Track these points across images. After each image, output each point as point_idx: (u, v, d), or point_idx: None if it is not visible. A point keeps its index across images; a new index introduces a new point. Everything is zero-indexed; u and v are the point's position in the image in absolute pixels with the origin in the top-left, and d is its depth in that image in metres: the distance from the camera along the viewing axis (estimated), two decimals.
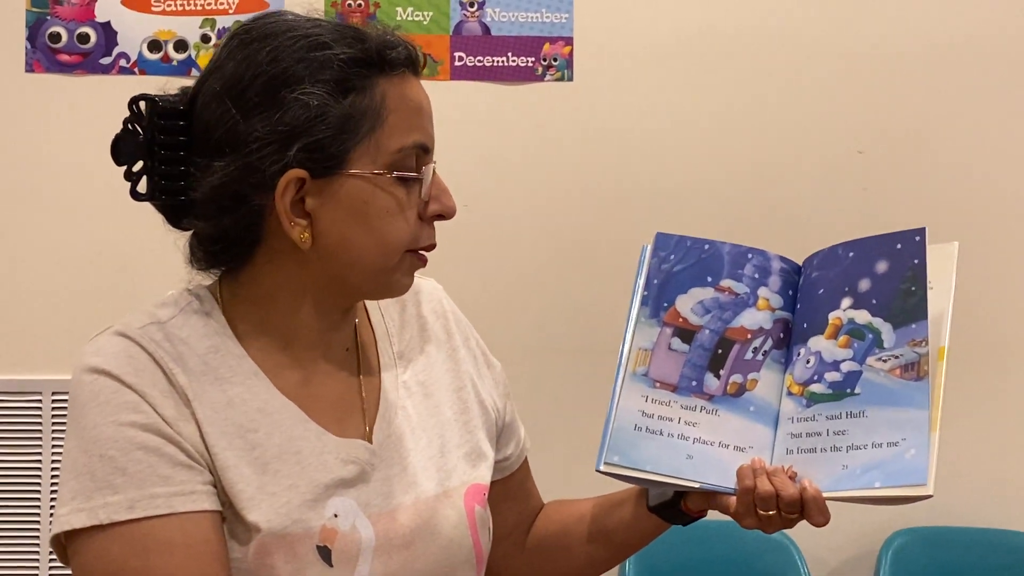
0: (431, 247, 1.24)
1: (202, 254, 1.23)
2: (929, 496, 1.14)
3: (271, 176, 1.14)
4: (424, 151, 1.20)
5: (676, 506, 1.34)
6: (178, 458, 1.12)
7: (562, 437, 2.61)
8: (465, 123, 2.85)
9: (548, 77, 2.89)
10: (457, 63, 2.87)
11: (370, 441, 1.25)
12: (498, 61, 2.89)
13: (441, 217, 1.22)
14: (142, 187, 1.22)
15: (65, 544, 1.12)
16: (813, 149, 2.92)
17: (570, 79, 2.89)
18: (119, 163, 1.21)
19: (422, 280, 1.42)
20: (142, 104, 1.21)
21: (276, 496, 1.15)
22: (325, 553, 1.16)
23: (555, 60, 2.89)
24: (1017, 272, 2.94)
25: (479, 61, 2.88)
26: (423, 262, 1.24)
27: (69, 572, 1.13)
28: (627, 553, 1.45)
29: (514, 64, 2.89)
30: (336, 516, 1.18)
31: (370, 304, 1.36)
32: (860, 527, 2.86)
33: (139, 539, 1.09)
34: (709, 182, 2.91)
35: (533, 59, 2.89)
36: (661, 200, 2.90)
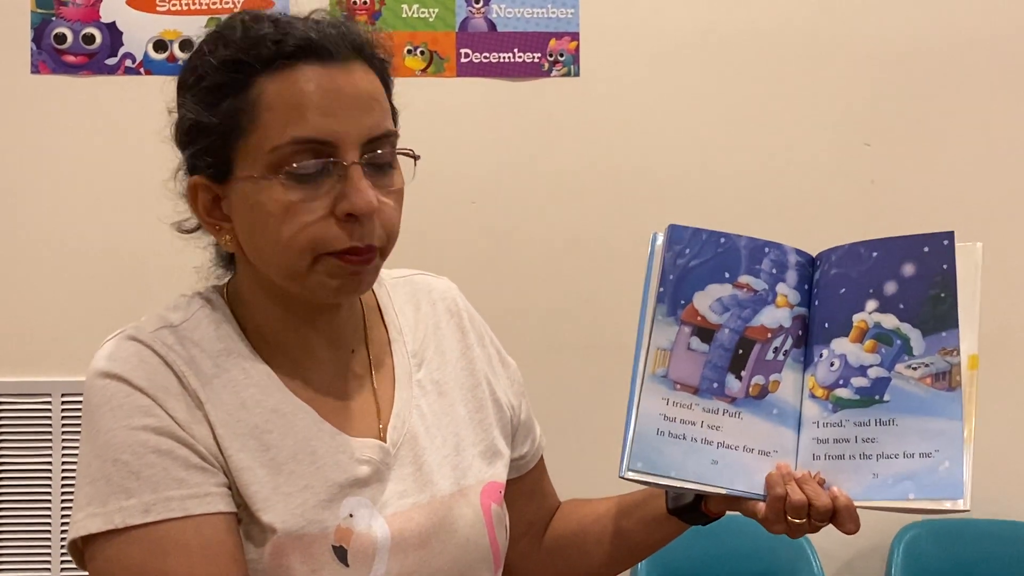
0: (352, 251, 1.14)
1: (214, 259, 1.27)
2: (966, 511, 1.13)
3: (182, 184, 1.19)
4: (318, 144, 1.11)
5: (696, 508, 1.33)
6: (192, 461, 1.12)
7: (576, 433, 2.61)
8: (472, 120, 2.84)
9: (554, 73, 2.89)
10: (463, 60, 2.87)
11: (384, 440, 1.24)
12: (504, 57, 2.88)
13: (352, 216, 1.13)
14: None
15: (82, 549, 1.12)
16: (821, 142, 2.92)
17: (576, 75, 2.89)
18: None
19: (436, 280, 1.42)
20: None
21: (291, 497, 1.15)
22: (341, 553, 1.16)
23: (561, 56, 2.88)
24: (1021, 264, 2.94)
25: (485, 58, 2.87)
26: (351, 265, 1.15)
27: (83, 575, 1.13)
28: (645, 554, 1.44)
29: (520, 60, 2.89)
30: (351, 516, 1.18)
31: (384, 303, 1.35)
32: (872, 520, 2.81)
33: (155, 542, 1.09)
34: (716, 176, 2.91)
35: (539, 55, 2.88)
36: (669, 194, 2.89)
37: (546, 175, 2.89)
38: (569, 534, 1.47)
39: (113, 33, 2.82)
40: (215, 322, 1.20)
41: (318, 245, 1.13)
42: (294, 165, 1.11)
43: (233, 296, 1.24)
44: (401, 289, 1.37)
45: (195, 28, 2.81)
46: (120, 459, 1.10)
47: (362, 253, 1.15)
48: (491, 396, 1.38)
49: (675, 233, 1.29)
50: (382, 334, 1.33)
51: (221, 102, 1.12)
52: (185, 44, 2.82)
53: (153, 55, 2.83)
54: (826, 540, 2.90)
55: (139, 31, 2.82)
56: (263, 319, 1.22)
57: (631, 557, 1.45)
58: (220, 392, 1.16)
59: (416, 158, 1.20)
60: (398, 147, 1.18)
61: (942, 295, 1.20)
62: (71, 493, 1.14)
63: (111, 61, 2.82)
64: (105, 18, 2.82)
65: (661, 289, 1.27)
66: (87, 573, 1.13)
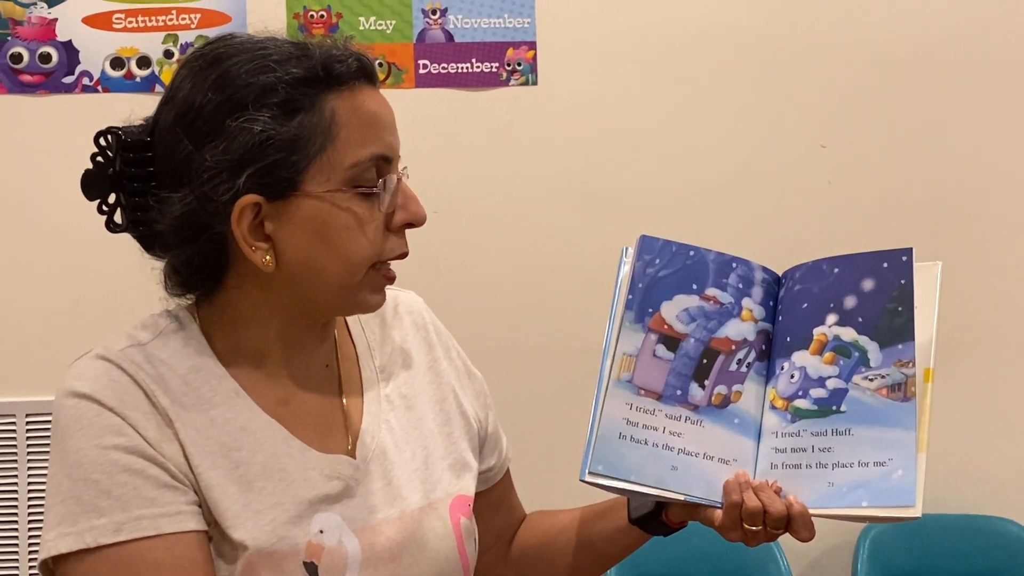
0: (402, 256, 1.22)
1: (176, 281, 1.23)
2: (917, 518, 1.15)
3: (225, 205, 1.14)
4: (385, 161, 1.18)
5: (657, 517, 1.34)
6: (162, 479, 1.12)
7: (542, 439, 2.62)
8: (431, 130, 2.85)
9: (513, 82, 2.90)
10: (421, 71, 2.88)
11: (354, 456, 1.25)
12: (462, 68, 2.89)
13: (410, 225, 1.21)
14: (118, 218, 1.21)
15: (53, 569, 1.12)
16: (778, 144, 2.95)
17: (535, 83, 2.90)
18: (90, 198, 1.20)
19: (402, 293, 1.42)
20: (108, 138, 1.20)
21: (261, 514, 1.15)
22: (312, 569, 1.16)
23: (519, 65, 2.90)
24: (980, 261, 2.97)
25: (443, 68, 2.89)
26: (390, 279, 1.22)
27: None
28: (609, 564, 1.45)
29: (478, 70, 2.90)
30: (322, 532, 1.18)
31: (351, 319, 1.35)
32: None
33: (126, 561, 1.09)
34: (675, 181, 2.93)
35: (497, 64, 2.90)
36: (628, 200, 2.91)
37: (507, 184, 2.91)
38: (535, 545, 1.49)
39: (70, 51, 2.81)
40: (183, 340, 1.20)
41: (376, 254, 1.18)
42: (371, 176, 1.16)
43: (210, 317, 1.23)
44: None
45: (152, 45, 2.82)
46: (91, 478, 1.10)
47: (401, 260, 1.22)
48: (458, 409, 1.39)
49: (646, 244, 1.31)
50: (350, 350, 1.33)
51: (294, 117, 1.14)
52: (143, 61, 2.82)
53: (110, 72, 2.82)
54: (793, 539, 2.91)
55: (96, 49, 2.81)
56: (255, 338, 1.22)
57: (595, 567, 1.46)
58: (190, 410, 1.16)
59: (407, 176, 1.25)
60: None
61: (899, 309, 1.22)
62: (37, 513, 1.15)
63: (68, 80, 2.81)
64: (61, 36, 2.81)
65: (630, 296, 1.29)
66: None
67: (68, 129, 2.77)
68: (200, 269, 1.20)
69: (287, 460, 1.19)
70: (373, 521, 1.22)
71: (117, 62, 2.82)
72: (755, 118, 2.94)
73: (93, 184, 1.20)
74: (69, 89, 2.81)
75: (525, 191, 2.91)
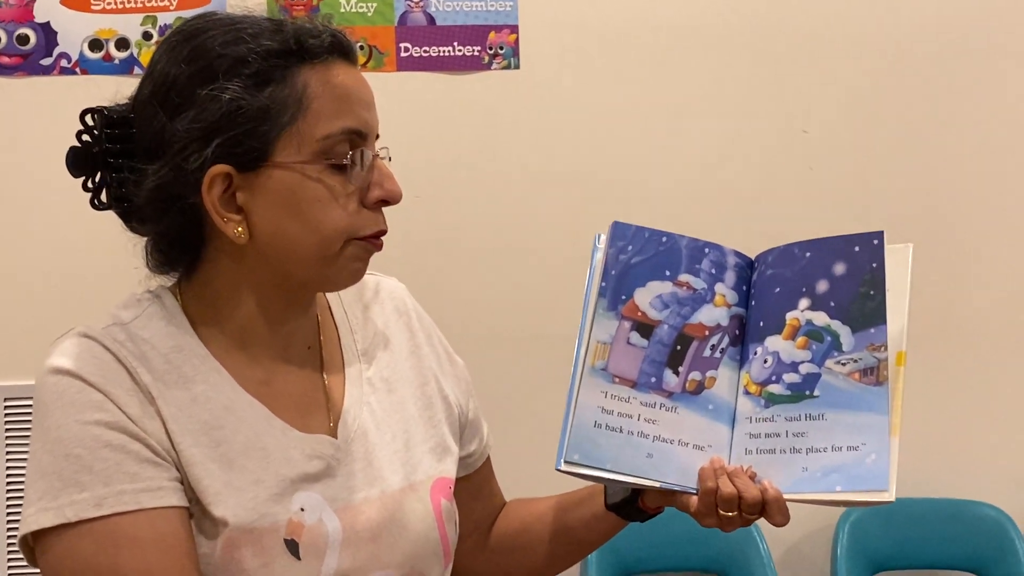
0: (380, 234, 1.22)
1: (157, 257, 1.24)
2: (890, 502, 1.16)
3: (195, 174, 1.15)
4: (359, 136, 1.18)
5: (633, 504, 1.35)
6: (144, 455, 1.12)
7: (524, 425, 2.62)
8: (412, 114, 2.84)
9: (495, 66, 2.89)
10: (403, 54, 2.86)
11: (335, 436, 1.25)
12: (444, 51, 2.88)
13: (385, 202, 1.21)
14: (103, 197, 1.23)
15: (33, 545, 1.12)
16: (759, 130, 2.94)
17: (517, 67, 2.89)
18: (75, 175, 1.22)
19: (384, 279, 1.43)
20: (94, 117, 1.21)
21: (242, 491, 1.16)
22: (293, 546, 1.17)
23: (501, 48, 2.89)
24: (962, 245, 2.98)
25: (425, 52, 2.87)
26: (375, 247, 1.22)
27: (35, 573, 1.13)
28: (587, 551, 1.46)
29: (460, 54, 2.89)
30: (302, 510, 1.19)
31: (333, 302, 1.36)
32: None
33: (107, 535, 1.09)
34: (657, 166, 2.92)
35: (479, 48, 2.89)
36: (610, 185, 2.91)
37: (488, 168, 2.90)
38: (513, 533, 1.49)
39: (48, 33, 2.79)
40: (165, 319, 1.21)
41: (351, 229, 1.19)
42: (343, 150, 1.17)
43: (191, 294, 1.24)
44: (350, 289, 1.38)
45: (131, 27, 2.80)
46: (72, 453, 1.10)
47: (380, 237, 1.22)
48: (440, 394, 1.39)
49: (618, 230, 1.31)
50: (332, 332, 1.34)
51: (264, 88, 1.15)
52: (121, 43, 2.80)
53: (89, 54, 2.80)
54: (773, 524, 2.92)
55: (74, 30, 2.79)
56: (235, 315, 1.23)
57: (573, 554, 1.47)
58: (171, 388, 1.17)
59: (389, 158, 1.25)
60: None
61: (871, 293, 1.23)
62: (16, 497, 1.14)
63: (46, 61, 2.79)
64: (39, 18, 2.79)
65: (603, 284, 1.29)
66: (38, 570, 1.13)
67: (46, 111, 2.75)
68: (177, 242, 1.22)
69: (268, 439, 1.20)
70: (354, 501, 1.23)
71: (95, 44, 2.80)
72: (737, 104, 2.94)
73: (78, 162, 1.21)
74: (47, 71, 2.79)
75: (507, 175, 2.90)
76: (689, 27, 2.92)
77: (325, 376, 1.30)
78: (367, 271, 1.41)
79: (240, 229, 1.17)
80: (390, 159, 1.24)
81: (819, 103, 2.95)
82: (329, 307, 1.35)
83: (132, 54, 2.80)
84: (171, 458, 1.14)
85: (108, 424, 1.11)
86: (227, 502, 1.15)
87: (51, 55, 2.79)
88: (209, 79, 1.15)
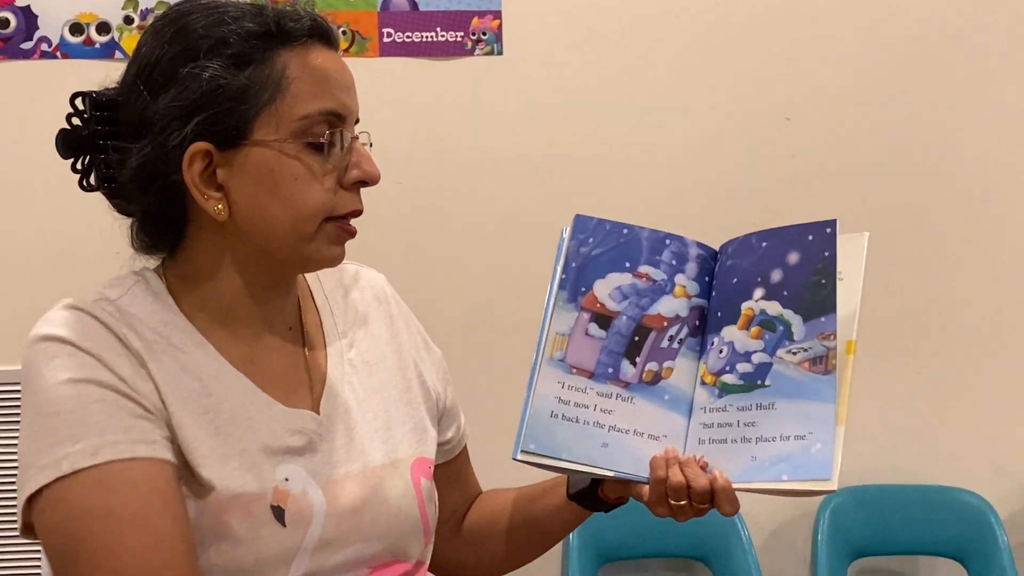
0: (355, 214, 1.24)
1: (142, 238, 1.27)
2: (832, 491, 1.16)
3: (176, 152, 1.18)
4: (337, 118, 1.20)
5: (595, 494, 1.36)
6: (137, 412, 1.14)
7: (503, 411, 2.62)
8: (395, 100, 2.83)
9: (478, 52, 2.88)
10: (386, 39, 2.86)
11: (317, 412, 1.27)
12: (427, 37, 2.87)
13: (363, 183, 1.23)
14: (92, 179, 1.26)
15: (30, 520, 1.13)
16: (743, 117, 2.94)
17: (500, 53, 2.89)
18: (64, 157, 1.25)
19: (364, 269, 1.45)
20: (82, 100, 1.25)
21: (228, 459, 1.18)
22: (279, 513, 1.19)
23: (484, 34, 2.88)
24: (944, 232, 2.99)
25: (408, 37, 2.86)
26: (349, 232, 1.24)
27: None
28: (553, 540, 1.47)
29: (443, 39, 2.88)
30: (287, 480, 1.21)
31: (314, 287, 1.38)
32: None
33: (101, 481, 1.10)
34: (640, 153, 2.92)
35: (462, 34, 2.88)
36: (593, 172, 2.91)
37: (470, 154, 2.89)
38: (481, 522, 1.51)
39: (28, 17, 2.77)
40: (152, 297, 1.23)
41: (327, 209, 1.21)
42: (320, 130, 1.19)
43: (175, 273, 1.26)
44: (331, 276, 1.41)
45: (112, 10, 2.78)
46: (64, 410, 1.11)
47: (355, 218, 1.24)
48: (419, 378, 1.41)
49: (580, 223, 1.32)
50: (314, 316, 1.36)
51: (245, 68, 1.18)
52: (102, 27, 2.78)
53: (70, 38, 2.78)
54: (754, 509, 2.94)
55: (54, 14, 2.77)
56: (218, 292, 1.25)
57: (539, 544, 1.48)
58: (161, 355, 1.19)
59: (370, 144, 1.28)
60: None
61: (823, 281, 1.23)
62: (4, 481, 1.14)
63: (27, 45, 2.77)
64: (19, 1, 2.77)
65: (563, 276, 1.30)
66: (39, 540, 1.14)
67: (27, 96, 2.74)
68: (161, 221, 1.24)
69: (253, 410, 1.22)
70: (335, 476, 1.25)
71: (76, 28, 2.78)
72: (721, 91, 2.93)
73: (67, 144, 1.25)
74: (27, 55, 2.77)
75: (488, 162, 2.90)
76: (673, 14, 2.91)
77: (307, 355, 1.32)
78: (348, 261, 1.43)
79: (220, 206, 1.19)
80: (371, 144, 1.26)
81: (802, 90, 2.95)
82: (311, 292, 1.37)
83: (113, 38, 2.78)
84: (163, 417, 1.16)
85: (100, 383, 1.13)
86: (214, 467, 1.16)
87: (31, 39, 2.77)
88: (190, 58, 1.18)
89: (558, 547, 2.62)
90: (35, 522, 1.12)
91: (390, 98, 2.83)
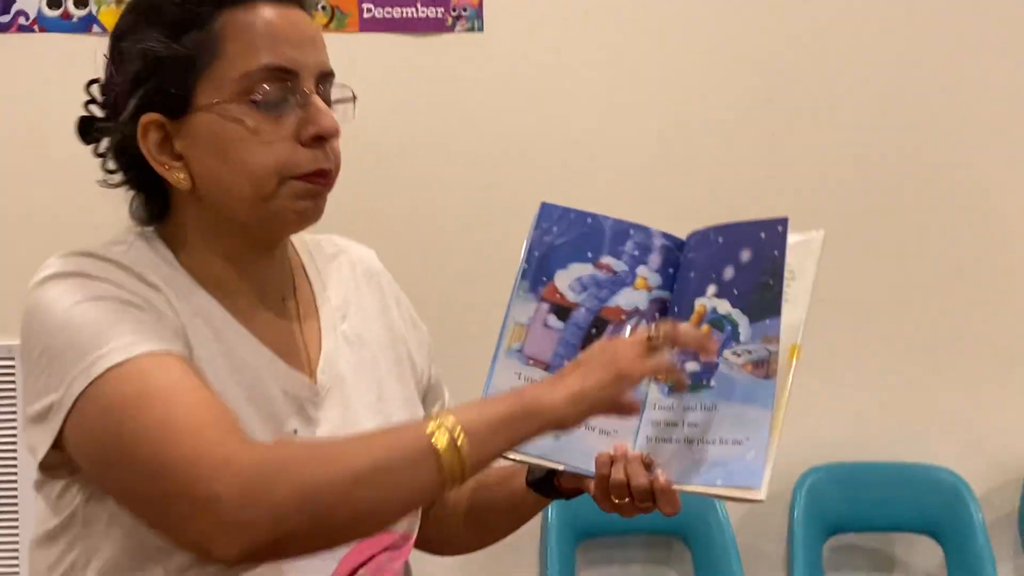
0: (319, 172, 1.20)
1: (138, 209, 1.27)
2: (760, 501, 1.14)
3: (131, 125, 1.19)
4: (284, 73, 1.18)
5: (551, 483, 1.35)
6: (164, 324, 1.14)
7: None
8: (374, 75, 2.82)
9: (458, 28, 2.88)
10: (366, 15, 2.84)
11: (314, 382, 1.27)
12: (407, 12, 2.86)
13: (321, 139, 1.19)
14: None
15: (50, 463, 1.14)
16: (723, 98, 2.94)
17: (480, 29, 2.88)
18: (85, 143, 1.26)
19: (355, 245, 1.45)
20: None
21: (245, 403, 1.19)
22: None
23: (465, 11, 2.87)
24: (923, 213, 3.00)
25: (388, 13, 2.85)
26: (316, 186, 1.21)
27: None
28: (515, 525, 1.47)
29: (423, 15, 2.87)
30: (296, 432, 1.23)
31: (306, 260, 1.37)
32: (773, 465, 2.91)
33: (134, 371, 1.08)
34: (620, 133, 2.92)
35: (443, 10, 2.87)
36: (573, 151, 2.90)
37: (450, 131, 2.89)
38: (450, 504, 1.50)
39: None
40: (153, 251, 1.23)
41: (285, 168, 1.18)
42: (265, 88, 1.16)
43: (169, 239, 1.25)
44: (322, 250, 1.40)
45: None
46: (87, 321, 1.11)
47: (326, 175, 1.21)
48: (408, 355, 1.41)
49: (545, 211, 1.31)
50: (307, 289, 1.35)
51: (184, 35, 1.17)
52: (80, 0, 2.75)
53: (47, 12, 2.75)
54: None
55: None
56: (202, 262, 1.24)
57: (498, 529, 1.48)
58: (174, 296, 1.19)
59: (355, 99, 1.26)
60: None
61: (770, 282, 1.18)
62: None
63: (3, 19, 2.74)
64: None
65: (525, 265, 1.29)
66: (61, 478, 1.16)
67: (4, 70, 2.71)
68: (145, 192, 1.25)
69: (261, 363, 1.23)
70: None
71: (54, 1, 2.75)
72: (702, 71, 2.93)
73: (83, 131, 1.25)
74: (4, 29, 2.74)
75: (468, 139, 2.89)
76: None
77: (302, 327, 1.31)
78: (339, 237, 1.44)
79: (182, 175, 1.20)
80: (355, 98, 1.25)
81: (783, 72, 2.94)
82: (303, 266, 1.37)
83: (91, 12, 2.76)
84: (187, 347, 1.16)
85: (122, 300, 1.13)
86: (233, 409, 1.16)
87: (8, 12, 2.75)
88: (132, 31, 1.19)
89: (536, 524, 2.63)
90: (69, 441, 1.11)
91: (369, 74, 2.81)
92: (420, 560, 1.43)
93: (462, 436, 1.08)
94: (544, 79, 2.90)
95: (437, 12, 2.86)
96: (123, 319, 1.11)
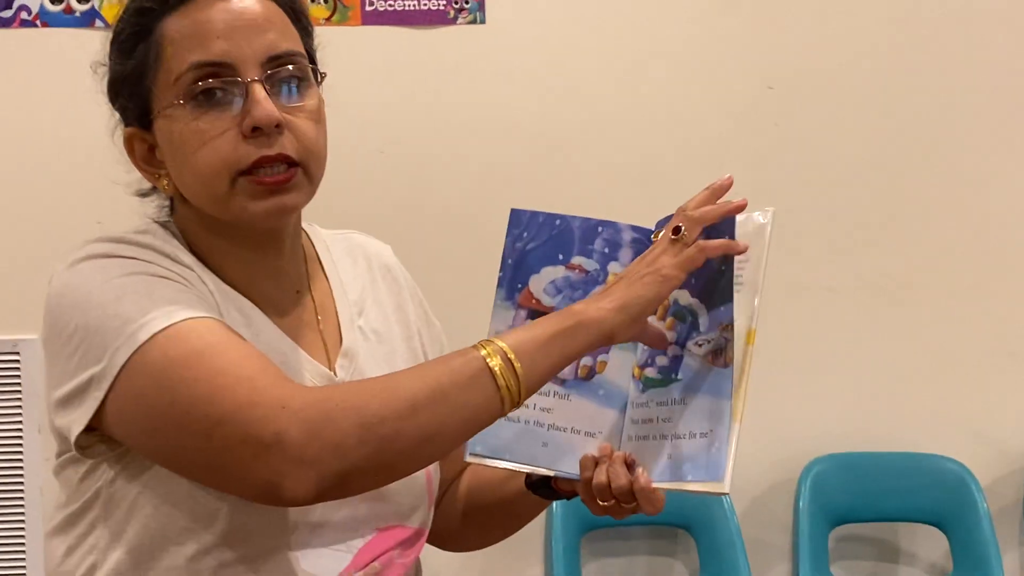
0: (260, 162, 1.16)
1: (155, 210, 1.30)
2: (724, 494, 1.13)
3: (119, 140, 1.25)
4: (215, 66, 1.16)
5: (548, 485, 1.33)
6: (201, 297, 1.16)
7: None
8: (377, 68, 2.82)
9: (460, 20, 2.87)
10: (368, 8, 2.84)
11: (335, 375, 1.27)
12: (409, 5, 2.86)
13: (258, 129, 1.15)
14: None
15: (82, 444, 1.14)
16: (725, 86, 2.94)
17: (482, 22, 2.88)
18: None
19: (371, 239, 1.45)
20: None
21: None
22: None
23: (467, 3, 2.87)
24: (928, 200, 3.00)
25: (390, 5, 2.85)
26: (264, 185, 1.17)
27: None
28: (516, 525, 1.46)
29: (426, 8, 2.87)
30: None
31: (323, 255, 1.37)
32: (778, 455, 2.92)
33: (178, 335, 1.09)
34: (622, 122, 2.92)
35: (445, 2, 2.87)
36: (576, 141, 2.90)
37: (453, 124, 2.89)
38: (450, 502, 1.49)
39: None
40: (175, 239, 1.23)
41: (230, 164, 1.16)
42: (198, 86, 1.16)
43: (182, 233, 1.26)
44: (339, 244, 1.40)
45: None
46: (125, 292, 1.11)
47: (271, 163, 1.17)
48: (423, 349, 1.41)
49: (514, 217, 1.29)
50: (324, 283, 1.35)
51: (135, 49, 1.19)
52: None
53: (49, 7, 2.76)
54: (736, 477, 2.94)
55: None
56: (213, 256, 1.24)
57: (500, 528, 1.47)
58: (204, 278, 1.20)
59: (321, 75, 1.25)
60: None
61: (723, 268, 1.16)
62: None
63: (6, 14, 2.75)
64: None
65: (500, 274, 1.27)
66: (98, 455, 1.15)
67: (7, 65, 2.71)
68: (154, 194, 1.28)
69: (286, 349, 1.23)
70: None
71: None
72: (703, 59, 2.93)
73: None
74: (7, 24, 2.75)
75: (471, 131, 2.89)
76: None
77: (320, 320, 1.31)
78: (356, 232, 1.45)
79: (165, 182, 1.23)
80: (323, 76, 1.24)
81: (785, 58, 2.94)
82: (319, 260, 1.37)
83: (93, 7, 2.76)
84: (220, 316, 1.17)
85: (156, 275, 1.14)
86: None
87: (11, 7, 2.75)
88: (107, 54, 1.24)
89: (540, 516, 2.62)
90: (110, 413, 1.11)
91: (372, 67, 2.81)
92: (426, 551, 1.43)
93: (514, 355, 1.10)
94: (546, 71, 2.90)
95: (439, 5, 2.86)
96: (161, 290, 1.12)
